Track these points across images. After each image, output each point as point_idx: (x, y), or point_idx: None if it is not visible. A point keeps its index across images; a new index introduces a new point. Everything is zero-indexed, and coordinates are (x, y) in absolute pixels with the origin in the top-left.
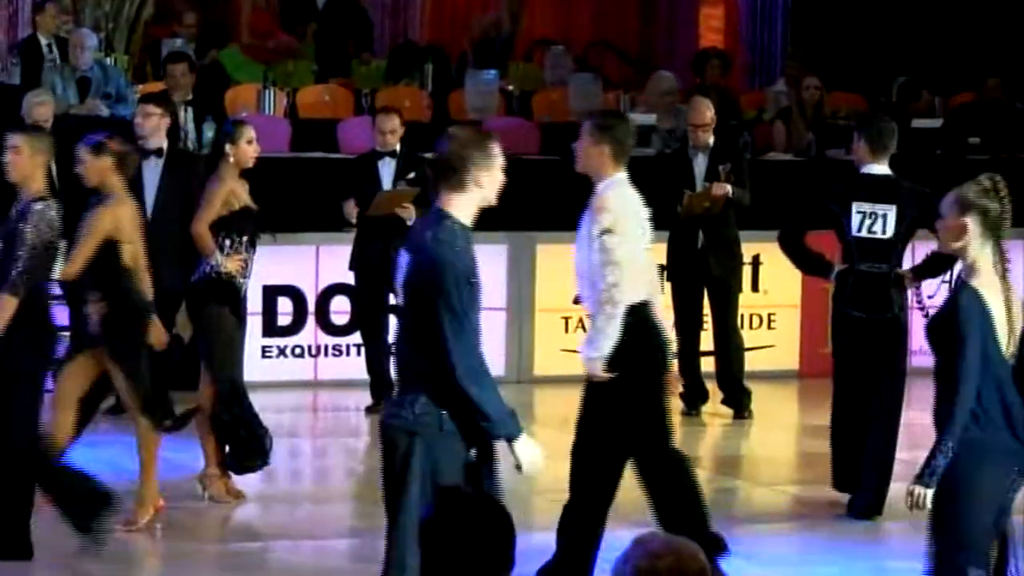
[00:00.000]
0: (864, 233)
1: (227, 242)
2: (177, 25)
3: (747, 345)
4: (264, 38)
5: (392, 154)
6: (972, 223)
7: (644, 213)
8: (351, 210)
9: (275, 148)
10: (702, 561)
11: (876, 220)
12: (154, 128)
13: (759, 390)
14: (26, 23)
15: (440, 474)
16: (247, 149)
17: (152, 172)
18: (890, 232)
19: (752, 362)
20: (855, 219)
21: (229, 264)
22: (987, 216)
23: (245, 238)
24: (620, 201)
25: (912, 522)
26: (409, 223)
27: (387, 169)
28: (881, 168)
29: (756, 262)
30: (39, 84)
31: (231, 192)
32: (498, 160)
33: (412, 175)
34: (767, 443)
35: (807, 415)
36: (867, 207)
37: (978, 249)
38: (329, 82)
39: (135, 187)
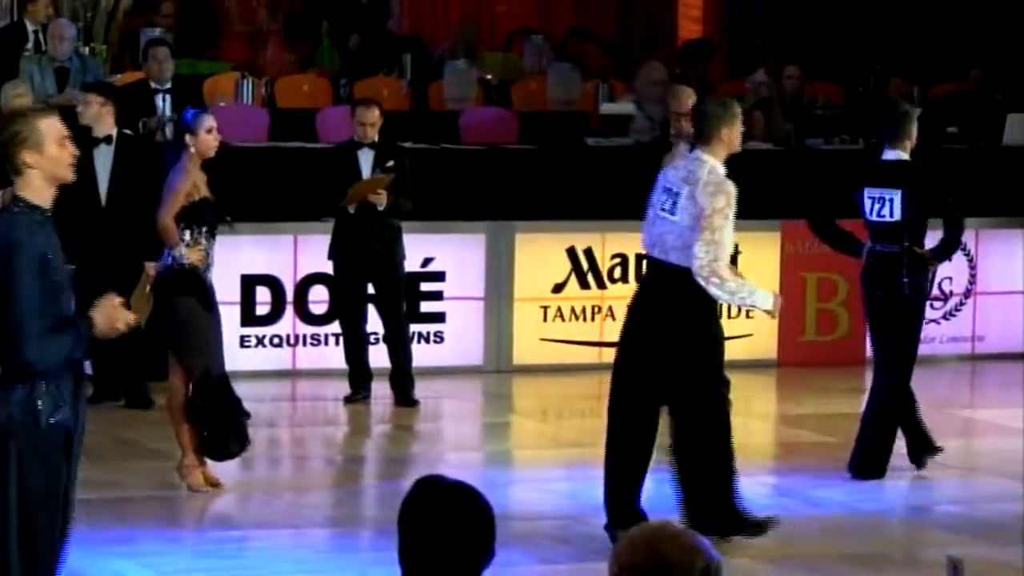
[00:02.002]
0: (874, 217)
1: (187, 233)
2: (154, 15)
3: (725, 334)
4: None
5: (372, 145)
6: None
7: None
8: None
9: (253, 137)
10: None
11: (884, 204)
12: (95, 116)
13: (737, 379)
14: (3, 11)
15: (33, 476)
16: (207, 139)
17: (103, 159)
18: (897, 215)
19: (730, 351)
20: (867, 204)
21: (191, 255)
22: None
23: (205, 228)
24: None
25: (886, 512)
26: (380, 208)
27: (366, 159)
28: (895, 153)
29: (735, 251)
30: (16, 73)
31: (192, 183)
32: (51, 136)
33: (390, 164)
34: (745, 432)
35: (785, 404)
36: (876, 192)
37: None
38: (308, 71)
39: (86, 174)
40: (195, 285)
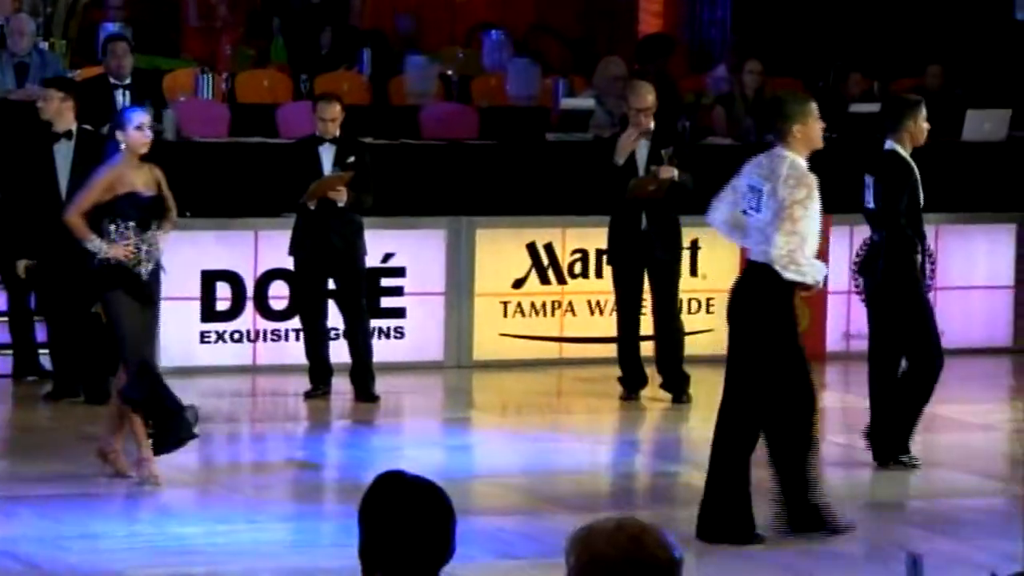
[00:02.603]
0: (866, 204)
1: (112, 227)
2: (108, 8)
3: (686, 329)
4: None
5: (333, 140)
6: None
7: None
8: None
9: (213, 133)
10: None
11: (869, 192)
12: (56, 111)
13: (697, 374)
14: None
15: None
16: (136, 135)
17: (63, 154)
18: (871, 203)
19: (691, 346)
20: (866, 192)
21: (114, 250)
22: None
23: (132, 223)
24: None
25: (847, 505)
26: (340, 205)
27: (327, 154)
28: (888, 143)
29: (695, 247)
30: None
31: (117, 178)
32: None
33: (351, 159)
34: (706, 427)
35: None
36: (867, 180)
37: None
38: (267, 67)
39: (46, 169)
40: (124, 279)
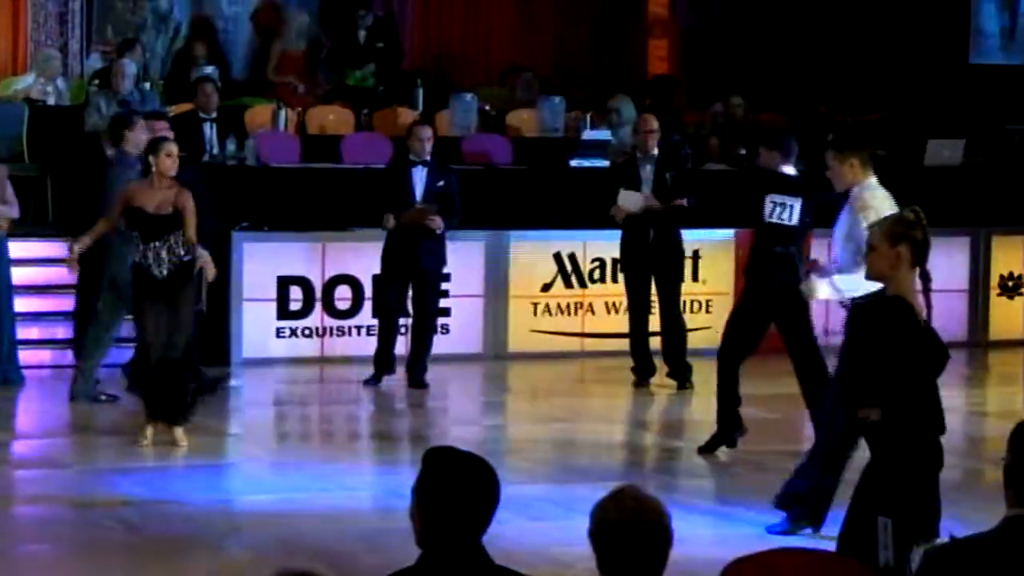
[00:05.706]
0: (774, 220)
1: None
2: (192, 55)
3: (688, 327)
4: (287, 75)
5: (424, 164)
6: (904, 251)
7: (894, 207)
8: (390, 223)
9: (287, 159)
10: (663, 514)
11: (784, 209)
12: None
13: (698, 365)
14: (74, 55)
15: None
16: (165, 160)
17: None
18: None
19: (692, 341)
20: (767, 208)
21: (133, 253)
22: (915, 244)
23: (136, 234)
24: (876, 200)
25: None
26: (438, 232)
27: (420, 177)
28: (790, 169)
29: (696, 256)
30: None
31: (130, 196)
32: None
33: (440, 183)
34: (705, 410)
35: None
36: (778, 199)
37: (906, 274)
38: (333, 103)
39: None
40: (142, 282)
